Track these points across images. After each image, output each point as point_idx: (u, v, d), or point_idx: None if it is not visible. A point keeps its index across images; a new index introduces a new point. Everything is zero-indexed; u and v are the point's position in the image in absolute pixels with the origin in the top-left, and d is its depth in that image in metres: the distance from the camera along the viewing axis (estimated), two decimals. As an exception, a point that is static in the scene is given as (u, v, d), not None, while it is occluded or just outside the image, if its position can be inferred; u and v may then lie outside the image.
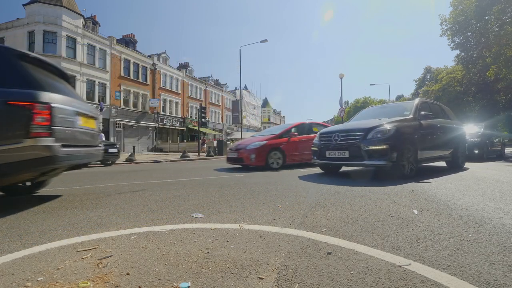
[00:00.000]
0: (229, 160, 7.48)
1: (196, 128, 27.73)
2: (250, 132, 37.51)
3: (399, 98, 66.84)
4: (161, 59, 31.11)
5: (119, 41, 27.03)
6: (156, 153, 25.23)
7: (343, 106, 18.86)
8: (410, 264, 1.31)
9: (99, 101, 23.22)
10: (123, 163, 11.72)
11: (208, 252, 1.51)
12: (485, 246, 1.53)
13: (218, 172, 6.52)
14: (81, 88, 21.82)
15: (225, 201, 2.92)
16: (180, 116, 33.44)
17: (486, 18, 16.76)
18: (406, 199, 2.81)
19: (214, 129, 40.21)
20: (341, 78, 18.78)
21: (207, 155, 17.25)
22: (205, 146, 22.90)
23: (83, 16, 22.77)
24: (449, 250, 1.48)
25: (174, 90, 32.71)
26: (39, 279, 1.23)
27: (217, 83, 46.06)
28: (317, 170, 6.16)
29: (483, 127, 9.65)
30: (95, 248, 1.60)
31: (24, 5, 20.81)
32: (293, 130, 7.65)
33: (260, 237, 1.75)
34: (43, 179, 3.39)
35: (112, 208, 2.67)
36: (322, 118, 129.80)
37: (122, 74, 25.73)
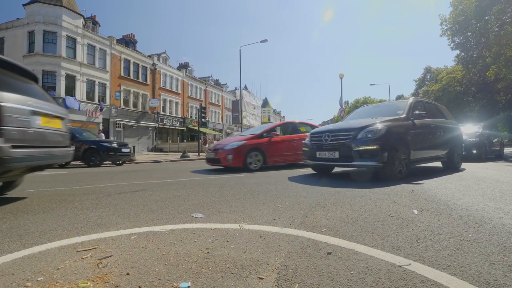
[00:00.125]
0: (208, 161, 7.14)
1: (196, 128, 27.73)
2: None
3: (399, 98, 66.74)
4: (161, 59, 31.11)
5: (119, 41, 27.03)
6: (156, 153, 25.23)
7: (343, 106, 18.85)
8: (410, 264, 1.31)
9: (99, 101, 23.23)
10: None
11: (208, 252, 1.51)
12: (485, 246, 1.53)
13: (217, 172, 6.51)
14: (81, 88, 21.83)
15: (225, 201, 2.92)
16: (180, 116, 33.44)
17: (486, 18, 16.76)
18: (406, 199, 2.81)
19: (214, 129, 40.22)
20: (341, 78, 18.78)
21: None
22: (207, 145, 22.92)
23: (83, 16, 22.76)
24: (449, 250, 1.48)
25: (174, 90, 32.71)
26: (39, 279, 1.23)
27: (217, 83, 46.06)
28: (309, 170, 6.13)
29: (482, 127, 9.57)
30: (95, 248, 1.60)
31: (24, 5, 20.80)
32: (275, 129, 7.38)
33: (260, 237, 1.75)
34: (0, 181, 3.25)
35: (112, 208, 2.67)
36: (322, 118, 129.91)
37: (122, 74, 25.73)
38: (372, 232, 1.80)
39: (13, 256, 1.51)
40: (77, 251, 1.56)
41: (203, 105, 27.10)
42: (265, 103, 79.12)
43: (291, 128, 7.90)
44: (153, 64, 29.58)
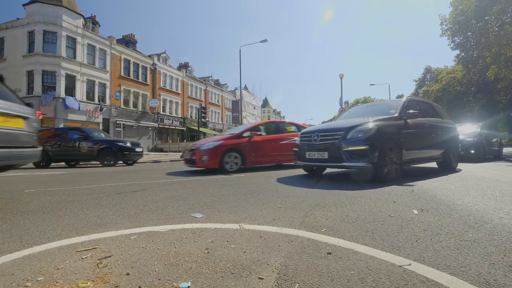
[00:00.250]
0: (185, 161, 6.82)
1: (196, 128, 27.76)
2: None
3: (399, 98, 66.82)
4: (161, 59, 31.12)
5: (119, 41, 27.04)
6: (156, 153, 25.23)
7: (343, 106, 18.86)
8: (410, 264, 1.31)
9: (99, 101, 23.24)
10: (123, 163, 11.70)
11: (208, 252, 1.51)
12: (485, 246, 1.53)
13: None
14: (81, 88, 21.84)
15: (225, 201, 2.92)
16: (180, 116, 33.44)
17: (486, 18, 16.78)
18: (406, 199, 2.81)
19: (214, 129, 40.21)
20: (341, 78, 18.79)
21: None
22: None
23: (83, 16, 22.77)
24: (449, 250, 1.48)
25: (174, 90, 32.72)
26: (39, 279, 1.23)
27: (217, 83, 46.07)
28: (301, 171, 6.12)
29: (480, 126, 9.48)
30: (95, 248, 1.60)
31: (24, 5, 20.81)
32: (255, 129, 7.03)
33: (260, 237, 1.75)
34: None
35: (112, 208, 2.67)
36: (322, 118, 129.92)
37: (122, 74, 25.74)
38: (372, 232, 1.80)
39: (13, 256, 1.51)
40: (77, 251, 1.55)
41: (203, 105, 27.14)
42: (265, 103, 79.16)
43: (274, 127, 7.52)
44: (153, 64, 29.59)
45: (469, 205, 2.52)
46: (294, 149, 5.24)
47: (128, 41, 29.48)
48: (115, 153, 9.70)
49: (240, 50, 25.05)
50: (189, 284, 1.16)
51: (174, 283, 1.17)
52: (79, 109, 21.07)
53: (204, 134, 32.31)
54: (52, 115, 19.66)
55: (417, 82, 48.99)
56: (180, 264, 1.36)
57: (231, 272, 1.26)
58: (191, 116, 35.39)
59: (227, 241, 1.69)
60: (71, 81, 21.21)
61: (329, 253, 1.46)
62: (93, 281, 1.20)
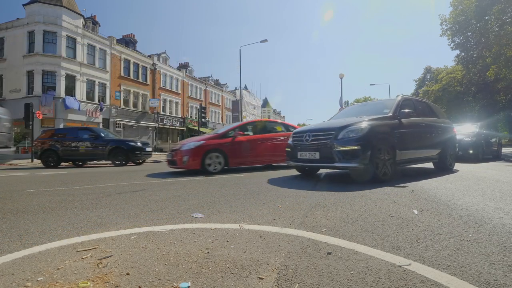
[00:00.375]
0: (168, 162, 6.62)
1: (196, 128, 27.75)
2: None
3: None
4: (161, 59, 31.10)
5: (119, 41, 27.03)
6: (156, 153, 25.22)
7: (343, 106, 18.85)
8: (410, 264, 1.31)
9: (99, 101, 23.23)
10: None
11: (208, 252, 1.51)
12: (485, 246, 1.53)
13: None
14: (81, 88, 21.83)
15: (225, 201, 2.92)
16: (180, 116, 33.43)
17: (486, 18, 16.78)
18: (406, 199, 2.81)
19: (214, 129, 40.21)
20: (341, 78, 18.78)
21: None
22: None
23: (83, 16, 22.76)
24: (449, 250, 1.48)
25: (174, 90, 32.71)
26: (39, 279, 1.23)
27: (217, 83, 46.06)
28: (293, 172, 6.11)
29: (479, 126, 9.42)
30: (95, 248, 1.60)
31: (24, 5, 20.80)
32: (241, 128, 6.76)
33: (260, 237, 1.75)
34: None
35: (112, 208, 2.67)
36: (322, 118, 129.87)
37: (122, 74, 25.73)
38: (372, 232, 1.80)
39: (13, 256, 1.51)
40: (77, 251, 1.56)
41: (203, 105, 27.14)
42: (265, 103, 79.16)
43: (261, 127, 7.25)
44: (153, 64, 29.58)
45: (469, 205, 2.52)
46: (287, 149, 5.15)
47: (128, 41, 29.47)
48: (126, 152, 9.70)
49: (240, 50, 25.05)
50: (189, 284, 1.16)
51: (174, 283, 1.17)
52: (79, 109, 21.07)
53: (204, 134, 32.30)
54: (52, 115, 19.66)
55: (417, 82, 48.98)
56: (180, 264, 1.36)
57: (231, 272, 1.26)
58: (191, 116, 35.38)
59: (227, 241, 1.69)
60: (71, 81, 21.21)
61: (329, 253, 1.46)
62: (93, 281, 1.20)
